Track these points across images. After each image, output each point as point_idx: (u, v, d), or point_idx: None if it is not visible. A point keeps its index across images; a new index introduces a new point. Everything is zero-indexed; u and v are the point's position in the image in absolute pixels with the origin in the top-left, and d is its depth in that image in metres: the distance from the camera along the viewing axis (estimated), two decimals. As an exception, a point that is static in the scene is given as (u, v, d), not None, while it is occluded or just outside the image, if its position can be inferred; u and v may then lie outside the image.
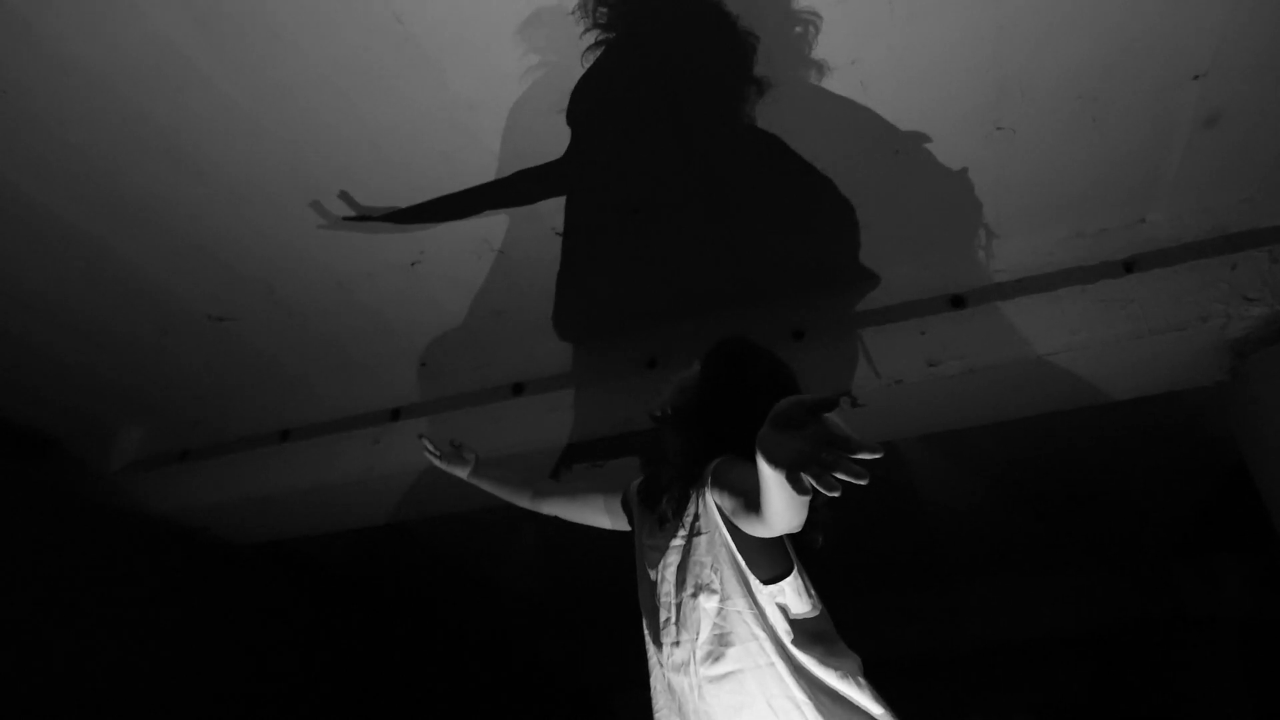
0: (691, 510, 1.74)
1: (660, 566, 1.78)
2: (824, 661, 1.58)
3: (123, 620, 3.56)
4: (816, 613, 1.64)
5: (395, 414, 3.35)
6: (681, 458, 1.79)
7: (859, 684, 1.59)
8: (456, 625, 6.21)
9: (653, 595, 1.79)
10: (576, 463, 3.09)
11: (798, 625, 1.60)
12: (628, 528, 2.05)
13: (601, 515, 2.15)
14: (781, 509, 1.24)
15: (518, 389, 3.19)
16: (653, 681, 1.79)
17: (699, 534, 1.70)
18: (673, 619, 1.71)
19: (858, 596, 6.24)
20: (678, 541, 1.74)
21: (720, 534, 1.64)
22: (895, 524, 5.09)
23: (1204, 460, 4.20)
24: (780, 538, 1.60)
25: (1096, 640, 6.53)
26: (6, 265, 2.69)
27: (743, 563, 1.61)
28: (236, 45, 2.00)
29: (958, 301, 2.75)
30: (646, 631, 1.81)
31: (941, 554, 5.69)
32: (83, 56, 2.01)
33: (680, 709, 1.68)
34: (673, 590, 1.73)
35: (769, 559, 1.61)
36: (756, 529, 1.42)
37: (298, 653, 4.55)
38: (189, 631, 3.87)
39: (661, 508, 1.80)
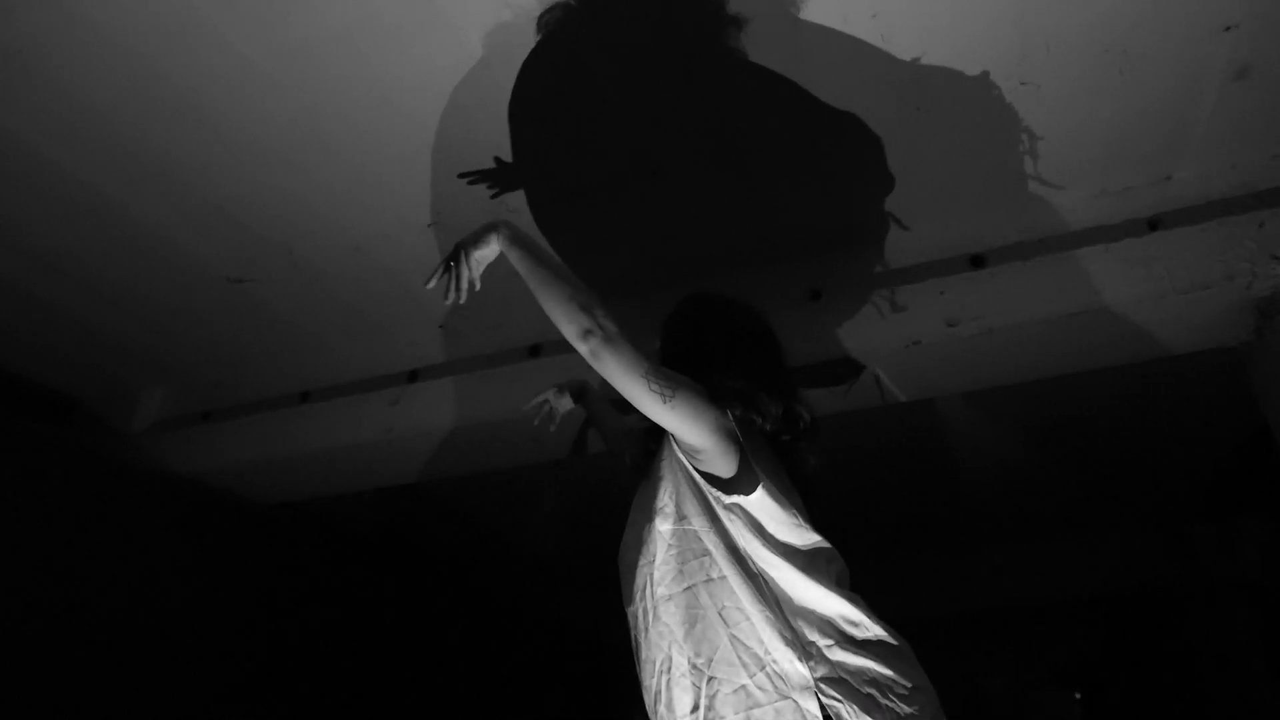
0: (658, 455, 1.81)
1: (632, 511, 1.86)
2: (795, 582, 1.61)
3: (148, 579, 3.63)
4: (808, 543, 1.67)
5: (413, 375, 3.37)
6: None
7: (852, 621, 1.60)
8: (477, 581, 6.30)
9: (625, 549, 1.85)
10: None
11: (776, 549, 1.63)
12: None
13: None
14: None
15: (534, 351, 3.20)
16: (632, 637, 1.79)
17: (662, 476, 1.75)
18: (635, 555, 1.76)
19: (876, 559, 6.27)
20: (648, 486, 1.80)
21: (677, 459, 1.71)
22: (913, 487, 5.10)
23: (1226, 422, 4.16)
24: (744, 457, 1.65)
25: (1115, 602, 6.54)
26: (25, 226, 2.71)
27: (699, 479, 1.67)
28: (252, 2, 1.98)
29: (978, 261, 2.72)
30: (622, 590, 1.83)
31: (959, 516, 5.70)
32: (98, 14, 2.00)
33: (644, 636, 1.69)
34: (639, 530, 1.77)
35: (731, 479, 1.66)
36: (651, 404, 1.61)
37: (321, 609, 4.63)
38: (214, 588, 3.94)
39: (635, 459, 1.91)
